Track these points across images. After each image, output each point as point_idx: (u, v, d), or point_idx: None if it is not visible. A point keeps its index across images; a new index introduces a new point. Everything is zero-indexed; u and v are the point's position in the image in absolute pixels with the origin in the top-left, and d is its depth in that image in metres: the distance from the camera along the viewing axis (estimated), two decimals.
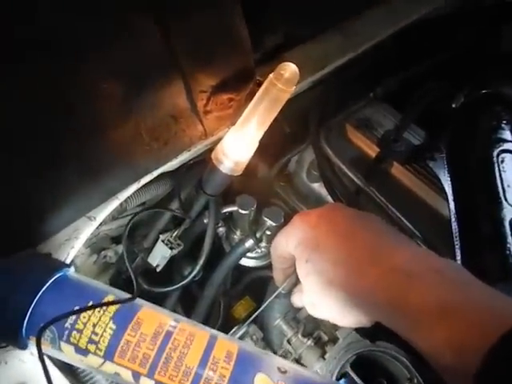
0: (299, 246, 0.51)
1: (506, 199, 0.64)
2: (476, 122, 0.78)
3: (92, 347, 0.39)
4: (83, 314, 0.40)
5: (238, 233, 0.77)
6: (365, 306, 0.45)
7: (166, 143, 0.56)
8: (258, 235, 0.71)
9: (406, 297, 0.40)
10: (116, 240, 0.68)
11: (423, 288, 0.40)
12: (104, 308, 0.41)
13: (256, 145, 0.57)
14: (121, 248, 0.65)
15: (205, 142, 0.61)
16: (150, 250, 0.66)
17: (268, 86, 0.52)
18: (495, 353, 0.32)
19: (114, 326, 0.40)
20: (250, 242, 0.71)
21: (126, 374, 0.40)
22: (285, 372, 0.43)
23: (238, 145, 0.55)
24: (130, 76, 0.49)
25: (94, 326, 0.40)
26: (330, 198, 0.77)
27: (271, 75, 0.52)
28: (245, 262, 0.78)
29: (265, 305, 0.65)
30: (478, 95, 0.81)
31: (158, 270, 0.66)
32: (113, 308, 0.41)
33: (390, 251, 0.45)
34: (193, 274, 0.67)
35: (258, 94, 0.53)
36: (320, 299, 0.48)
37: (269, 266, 0.80)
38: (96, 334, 0.39)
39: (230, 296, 0.82)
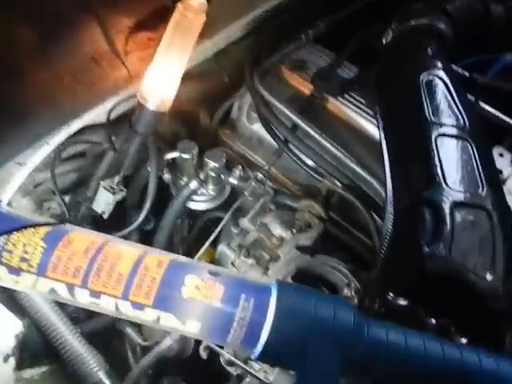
0: None
1: (432, 118, 0.68)
2: (403, 53, 0.81)
3: (24, 265, 0.41)
4: (12, 236, 0.41)
5: (185, 179, 0.79)
6: None
7: (91, 86, 0.58)
8: (201, 177, 0.73)
9: None
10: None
11: None
12: (34, 230, 0.42)
13: (178, 79, 0.58)
14: (65, 199, 0.67)
15: (131, 86, 0.63)
16: (93, 199, 0.67)
17: (178, 18, 0.54)
18: None
19: (44, 245, 0.42)
20: (194, 184, 0.73)
21: (61, 288, 0.42)
22: (216, 274, 0.46)
23: (159, 80, 0.57)
24: (45, 19, 0.50)
25: (24, 245, 0.41)
26: (271, 139, 0.80)
27: (179, 5, 0.53)
28: (195, 206, 0.80)
29: (212, 238, 0.68)
30: (405, 28, 0.84)
31: (105, 217, 0.68)
32: (43, 230, 0.43)
33: None
34: (140, 219, 0.69)
35: (168, 28, 0.55)
36: None
37: (219, 208, 0.83)
38: (27, 253, 0.41)
39: (187, 243, 0.84)
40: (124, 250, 0.44)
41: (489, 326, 0.55)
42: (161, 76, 0.56)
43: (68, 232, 0.44)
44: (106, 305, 0.43)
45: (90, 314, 0.77)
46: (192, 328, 0.44)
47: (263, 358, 0.44)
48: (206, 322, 0.43)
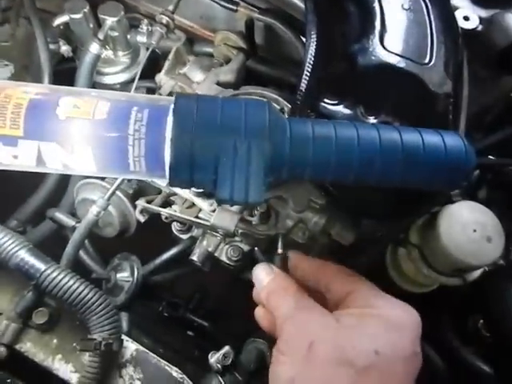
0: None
1: None
2: None
3: None
4: None
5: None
6: None
7: None
8: (100, 36, 0.64)
9: None
10: None
11: None
12: None
13: None
14: None
15: None
16: None
17: None
18: None
19: None
20: (94, 47, 0.63)
21: None
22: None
23: None
24: None
25: None
26: None
27: None
28: (112, 79, 0.71)
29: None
30: None
31: None
32: None
33: None
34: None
35: None
36: None
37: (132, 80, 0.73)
38: None
39: None
40: None
41: (433, 111, 0.50)
42: None
43: None
44: None
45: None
46: (85, 158, 0.37)
47: (175, 178, 0.38)
48: (97, 144, 0.36)
